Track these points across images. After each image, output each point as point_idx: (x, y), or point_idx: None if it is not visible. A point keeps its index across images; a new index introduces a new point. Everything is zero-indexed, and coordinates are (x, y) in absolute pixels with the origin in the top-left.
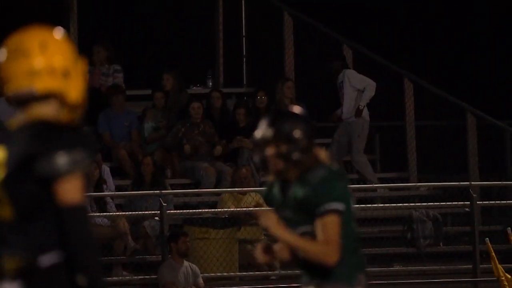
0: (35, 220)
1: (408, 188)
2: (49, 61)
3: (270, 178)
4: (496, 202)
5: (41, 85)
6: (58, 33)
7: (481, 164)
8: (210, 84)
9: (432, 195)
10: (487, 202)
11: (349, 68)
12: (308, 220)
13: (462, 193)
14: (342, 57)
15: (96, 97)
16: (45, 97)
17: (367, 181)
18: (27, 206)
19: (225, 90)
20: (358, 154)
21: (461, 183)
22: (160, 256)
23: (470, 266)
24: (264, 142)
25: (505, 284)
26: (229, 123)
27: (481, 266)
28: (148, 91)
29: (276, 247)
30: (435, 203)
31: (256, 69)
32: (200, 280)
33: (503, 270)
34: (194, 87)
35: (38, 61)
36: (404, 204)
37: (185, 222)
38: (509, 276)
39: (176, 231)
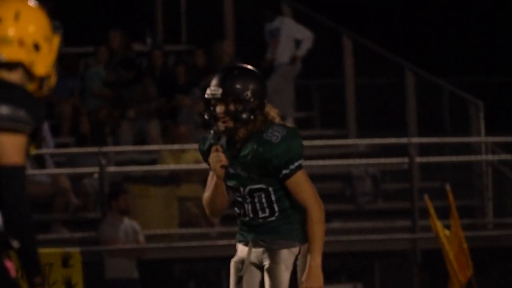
0: None
1: (347, 145)
2: (21, 31)
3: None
4: (435, 159)
5: (9, 53)
6: (34, 5)
7: (420, 122)
8: (149, 41)
9: (371, 152)
10: (426, 159)
11: (284, 16)
12: (262, 179)
13: (401, 150)
14: (277, 5)
15: None
16: (12, 65)
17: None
18: None
19: (164, 48)
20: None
21: (400, 140)
22: (100, 213)
23: (409, 223)
24: (214, 99)
25: (443, 241)
26: (169, 80)
27: (419, 223)
28: (90, 48)
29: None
30: (374, 160)
31: (195, 26)
32: (141, 237)
33: (441, 226)
34: (135, 45)
35: (10, 30)
36: (343, 161)
37: (124, 179)
38: (448, 233)
39: (116, 189)
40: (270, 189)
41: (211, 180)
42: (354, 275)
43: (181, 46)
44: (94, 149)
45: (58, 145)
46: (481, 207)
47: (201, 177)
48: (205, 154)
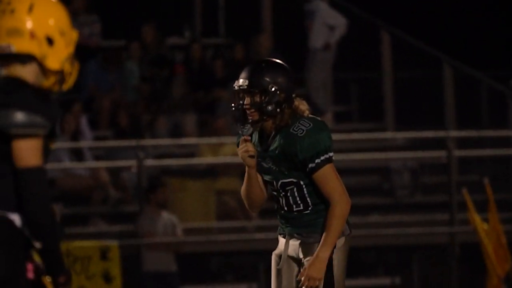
0: (2, 175)
1: (385, 138)
2: (33, 24)
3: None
4: (473, 152)
5: (20, 45)
6: None
7: (458, 115)
8: (187, 35)
9: (409, 145)
10: (464, 152)
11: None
12: (291, 173)
13: (439, 144)
14: None
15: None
16: (25, 58)
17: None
18: None
19: (202, 41)
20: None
21: (438, 133)
22: (138, 206)
23: (447, 216)
24: (242, 91)
25: (481, 235)
26: (207, 74)
27: (458, 216)
28: (124, 42)
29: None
30: (412, 154)
31: (233, 19)
32: (179, 231)
33: (480, 220)
34: (171, 38)
35: (23, 22)
36: (382, 155)
37: (162, 173)
38: (486, 226)
39: (154, 182)
40: (301, 183)
41: (246, 174)
42: (392, 269)
43: (219, 39)
44: (132, 142)
45: (96, 139)
46: None
47: (239, 170)
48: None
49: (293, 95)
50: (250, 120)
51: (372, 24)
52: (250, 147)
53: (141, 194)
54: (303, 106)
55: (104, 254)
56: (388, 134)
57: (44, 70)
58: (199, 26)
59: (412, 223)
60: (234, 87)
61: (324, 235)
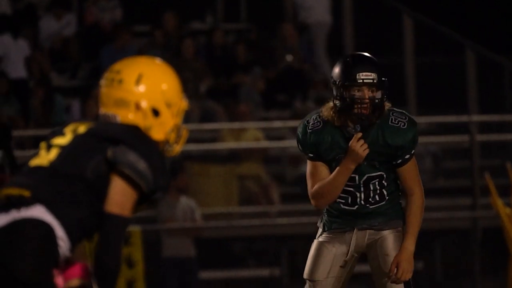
0: (74, 195)
1: None
2: (141, 96)
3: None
4: (496, 137)
5: (125, 116)
6: (162, 68)
7: (480, 99)
8: (209, 20)
9: (431, 130)
10: (486, 137)
11: None
12: (383, 165)
13: (461, 128)
14: None
15: (96, 32)
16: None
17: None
18: (85, 173)
19: (224, 26)
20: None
21: (460, 118)
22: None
23: (470, 201)
24: (364, 85)
25: (504, 219)
26: (229, 59)
27: (480, 201)
28: (146, 28)
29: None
30: (434, 138)
31: (255, 4)
32: (197, 216)
33: (502, 204)
34: (194, 23)
35: (129, 93)
36: None
37: (184, 158)
38: (509, 211)
39: (175, 167)
40: (385, 175)
41: (339, 170)
42: (415, 254)
43: (240, 24)
44: None
45: None
46: None
47: (261, 155)
48: (310, 146)
49: None
50: (361, 114)
51: (394, 9)
52: (365, 143)
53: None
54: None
55: (126, 239)
56: None
57: None
58: (221, 11)
59: (434, 208)
60: (360, 80)
61: (410, 227)
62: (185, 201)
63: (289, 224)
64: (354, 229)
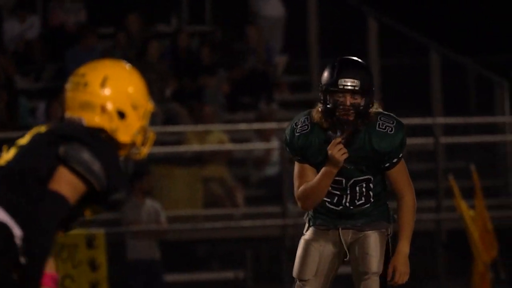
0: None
1: None
2: (106, 98)
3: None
4: (460, 139)
5: (91, 119)
6: (127, 71)
7: (445, 102)
8: (174, 22)
9: None
10: (451, 139)
11: None
12: (370, 169)
13: (425, 130)
14: None
15: (61, 33)
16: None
17: None
18: (35, 167)
19: (189, 29)
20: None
21: (425, 120)
22: (124, 194)
23: (434, 203)
24: (346, 91)
25: (468, 221)
26: (193, 61)
27: (444, 203)
28: (110, 30)
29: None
30: None
31: (220, 6)
32: (162, 218)
33: (466, 207)
34: (158, 26)
35: (95, 96)
36: None
37: (149, 160)
38: (472, 213)
39: (140, 170)
40: (372, 178)
41: (322, 173)
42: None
43: (205, 26)
44: None
45: None
46: (505, 187)
47: (225, 158)
48: (298, 149)
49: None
50: (347, 121)
51: (359, 11)
52: (343, 148)
53: (127, 181)
54: (375, 102)
55: (90, 242)
56: None
57: (111, 141)
58: (186, 13)
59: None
60: (342, 86)
61: (403, 230)
62: (150, 204)
63: (254, 226)
64: (338, 228)
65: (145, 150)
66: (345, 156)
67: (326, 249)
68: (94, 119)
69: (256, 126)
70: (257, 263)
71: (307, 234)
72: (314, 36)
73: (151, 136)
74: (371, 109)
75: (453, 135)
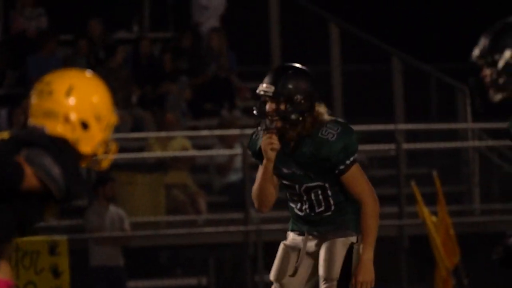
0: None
1: None
2: (70, 108)
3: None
4: (422, 145)
5: (53, 128)
6: (93, 81)
7: (407, 108)
8: (135, 29)
9: (357, 138)
10: (413, 145)
11: None
12: (319, 176)
13: (388, 137)
14: None
15: (22, 40)
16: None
17: None
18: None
19: (151, 35)
20: None
21: (387, 126)
22: (87, 201)
23: (396, 209)
24: (266, 97)
25: (430, 227)
26: (155, 68)
27: (406, 209)
28: (72, 36)
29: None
30: (361, 147)
31: (182, 13)
32: (126, 225)
33: (428, 213)
34: (120, 32)
35: (59, 105)
36: None
37: (111, 167)
38: (434, 219)
39: (103, 176)
40: (326, 185)
41: (261, 170)
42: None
43: (167, 33)
44: None
45: None
46: (468, 193)
47: (188, 164)
48: (256, 155)
49: (316, 103)
50: (272, 127)
51: (321, 18)
52: (274, 140)
53: (89, 188)
54: (322, 109)
55: (52, 249)
56: None
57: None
58: (147, 20)
59: None
60: (259, 92)
61: (364, 237)
62: (114, 210)
63: (216, 233)
64: (305, 234)
65: (106, 162)
66: (270, 146)
67: (302, 253)
68: (56, 128)
69: (219, 132)
70: (220, 269)
71: (288, 238)
72: (276, 43)
73: (113, 147)
74: (308, 118)
75: (415, 141)
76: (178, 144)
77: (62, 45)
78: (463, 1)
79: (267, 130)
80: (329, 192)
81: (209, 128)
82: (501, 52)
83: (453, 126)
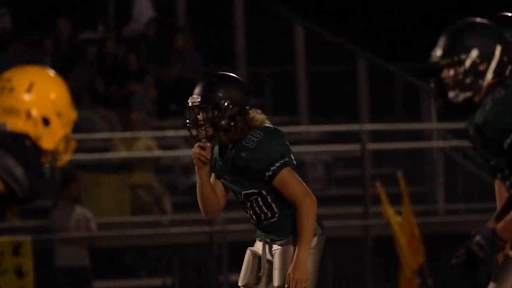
0: None
1: (299, 132)
2: (32, 104)
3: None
4: (387, 145)
5: (15, 124)
6: (53, 78)
7: (372, 108)
8: (101, 28)
9: (323, 139)
10: (378, 145)
11: None
12: (251, 184)
13: (353, 137)
14: None
15: None
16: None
17: None
18: None
19: (116, 35)
20: None
21: (352, 126)
22: (51, 201)
23: (361, 209)
24: (195, 107)
25: (395, 227)
26: (121, 68)
27: (371, 209)
28: (37, 37)
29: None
30: (326, 147)
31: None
32: (93, 225)
33: (393, 213)
34: (85, 32)
35: (20, 101)
36: (295, 148)
37: (76, 167)
38: (399, 219)
39: (67, 176)
40: (263, 192)
41: (197, 178)
42: None
43: (132, 33)
44: None
45: None
46: (432, 194)
47: (153, 164)
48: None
49: (247, 107)
50: (204, 135)
51: (285, 18)
52: (204, 150)
53: (54, 188)
54: (259, 116)
55: (16, 250)
56: (302, 128)
57: (35, 147)
58: (113, 20)
59: (326, 216)
60: (188, 103)
61: (299, 237)
62: (80, 211)
63: (181, 233)
64: (263, 242)
65: (65, 158)
66: (202, 156)
67: (263, 262)
68: (18, 125)
69: (184, 133)
70: (184, 269)
71: (255, 244)
72: (242, 44)
73: (73, 144)
74: (240, 124)
75: (380, 141)
76: (143, 144)
77: (28, 45)
78: (427, 1)
79: (196, 139)
80: (269, 199)
81: (175, 128)
82: (467, 51)
83: (417, 126)
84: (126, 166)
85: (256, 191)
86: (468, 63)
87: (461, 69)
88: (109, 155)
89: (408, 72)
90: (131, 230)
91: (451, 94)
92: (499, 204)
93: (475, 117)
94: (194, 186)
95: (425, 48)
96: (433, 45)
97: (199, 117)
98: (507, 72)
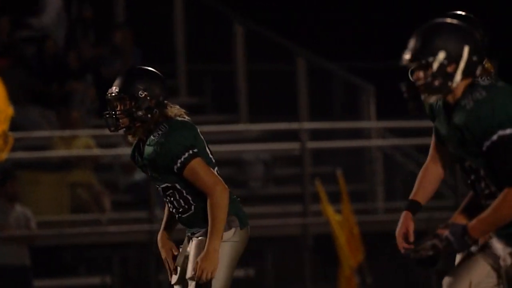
0: None
1: (239, 130)
2: None
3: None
4: (326, 144)
5: None
6: None
7: (311, 107)
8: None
9: (262, 137)
10: (317, 144)
11: None
12: (164, 177)
13: (292, 136)
14: None
15: None
16: None
17: None
18: None
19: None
20: None
21: (291, 125)
22: None
23: (300, 208)
24: (113, 100)
25: (334, 226)
26: (60, 66)
27: (311, 208)
28: None
29: None
30: (265, 146)
31: (86, 11)
32: (33, 224)
33: (332, 211)
34: (23, 31)
35: None
36: (235, 147)
37: (14, 165)
38: (339, 217)
39: (3, 175)
40: (178, 186)
41: None
42: (246, 260)
43: (72, 31)
44: None
45: None
46: (371, 192)
47: (92, 163)
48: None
49: (165, 101)
50: (121, 127)
51: (225, 16)
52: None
53: None
54: (177, 110)
55: None
56: (241, 126)
57: None
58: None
59: (265, 215)
60: (107, 95)
61: (210, 227)
62: (20, 209)
63: (121, 232)
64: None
65: (3, 155)
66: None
67: (182, 255)
68: None
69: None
70: (124, 268)
71: None
72: (181, 41)
73: (10, 140)
74: (155, 116)
75: (319, 140)
76: (83, 142)
77: None
78: (366, 0)
79: (111, 130)
80: (185, 193)
81: None
82: (434, 54)
83: (357, 125)
84: (66, 164)
85: (169, 185)
86: (435, 65)
87: (430, 72)
88: (48, 153)
89: (347, 70)
90: (70, 229)
91: (423, 96)
92: (418, 188)
93: (454, 118)
94: (134, 184)
95: (364, 47)
96: (372, 44)
97: (118, 109)
98: (478, 72)
